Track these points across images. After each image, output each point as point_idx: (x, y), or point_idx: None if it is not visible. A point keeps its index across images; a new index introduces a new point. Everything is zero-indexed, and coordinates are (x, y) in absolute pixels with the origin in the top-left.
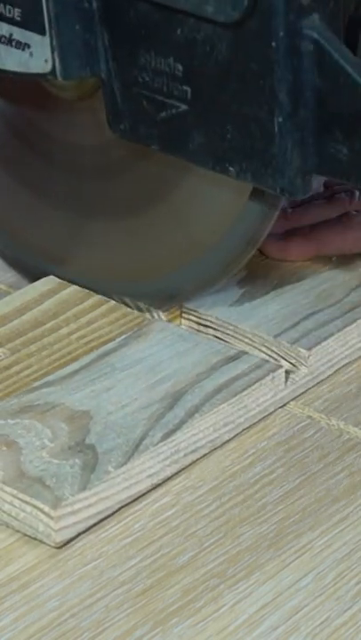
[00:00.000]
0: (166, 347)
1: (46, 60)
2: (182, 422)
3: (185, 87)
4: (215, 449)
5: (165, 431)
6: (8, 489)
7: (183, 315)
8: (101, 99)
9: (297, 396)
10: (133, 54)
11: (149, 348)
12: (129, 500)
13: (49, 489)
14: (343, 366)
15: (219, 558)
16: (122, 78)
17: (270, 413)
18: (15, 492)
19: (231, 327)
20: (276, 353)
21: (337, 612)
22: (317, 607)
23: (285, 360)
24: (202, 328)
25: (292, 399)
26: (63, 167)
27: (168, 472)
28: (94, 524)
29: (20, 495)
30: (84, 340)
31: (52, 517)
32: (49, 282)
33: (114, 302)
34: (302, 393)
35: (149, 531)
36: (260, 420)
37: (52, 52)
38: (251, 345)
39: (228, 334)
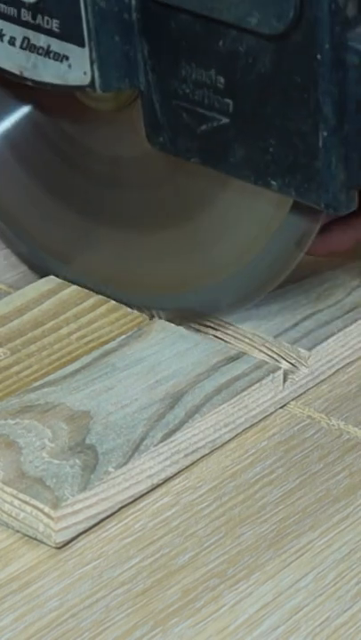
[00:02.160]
0: (167, 347)
1: (85, 72)
2: (182, 422)
3: (227, 100)
4: (215, 449)
5: (166, 431)
6: (8, 489)
7: None
8: (138, 110)
9: (297, 397)
10: (173, 66)
11: (150, 348)
12: (129, 501)
13: (49, 489)
14: (343, 366)
15: (219, 558)
16: (161, 90)
17: (270, 413)
18: (15, 492)
19: (231, 327)
20: (276, 353)
21: (337, 612)
22: (317, 607)
23: (286, 360)
24: (202, 328)
25: (293, 399)
26: (99, 180)
27: (168, 472)
28: (94, 525)
29: (21, 495)
30: (84, 340)
31: (52, 518)
32: (49, 282)
33: (114, 302)
34: (303, 393)
35: (149, 531)
36: (260, 420)
37: (92, 64)
38: (251, 345)
39: (228, 334)
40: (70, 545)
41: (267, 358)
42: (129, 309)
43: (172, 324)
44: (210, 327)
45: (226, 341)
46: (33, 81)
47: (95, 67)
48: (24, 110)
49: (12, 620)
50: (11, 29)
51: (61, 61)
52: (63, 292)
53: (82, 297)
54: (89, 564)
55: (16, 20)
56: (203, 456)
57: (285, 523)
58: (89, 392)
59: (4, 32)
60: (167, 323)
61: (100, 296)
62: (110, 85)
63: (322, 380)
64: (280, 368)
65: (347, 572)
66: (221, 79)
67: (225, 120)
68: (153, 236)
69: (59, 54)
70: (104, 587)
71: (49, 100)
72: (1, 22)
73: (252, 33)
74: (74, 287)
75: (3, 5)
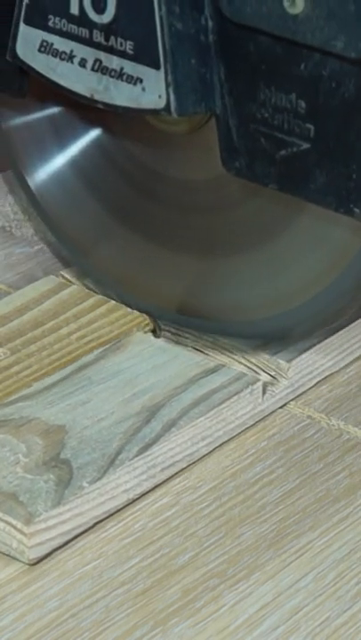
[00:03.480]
0: (145, 359)
1: (160, 96)
2: (159, 436)
3: (308, 125)
4: (215, 449)
5: (142, 445)
6: None
7: (162, 326)
8: (210, 133)
9: (277, 409)
10: (252, 90)
11: (127, 361)
12: (104, 516)
13: (22, 505)
14: (343, 367)
15: (219, 558)
16: (238, 114)
17: (270, 413)
18: None
19: (210, 339)
20: (255, 365)
21: (337, 612)
22: (317, 607)
23: (265, 372)
24: (181, 340)
25: (272, 412)
26: (169, 204)
27: (144, 487)
28: (69, 541)
29: None
30: (84, 340)
31: (24, 534)
32: (49, 282)
33: (114, 302)
34: (283, 405)
35: (149, 531)
36: (260, 420)
37: (167, 88)
38: (230, 357)
39: (207, 346)
40: (70, 545)
41: (246, 370)
42: (129, 309)
43: (151, 337)
44: (188, 339)
45: (205, 353)
46: (104, 104)
47: (171, 90)
48: (91, 134)
49: (11, 619)
50: (82, 51)
51: (135, 84)
52: (63, 292)
53: (82, 297)
54: (89, 564)
55: (87, 42)
56: (202, 456)
57: (285, 523)
58: (64, 406)
59: (74, 53)
60: (146, 335)
61: (100, 296)
62: (186, 109)
63: (301, 393)
64: (259, 380)
65: (347, 572)
66: (303, 103)
67: (306, 145)
68: (224, 262)
69: (132, 77)
70: (104, 587)
71: (116, 123)
72: (72, 44)
73: (337, 57)
74: (74, 287)
75: (73, 26)
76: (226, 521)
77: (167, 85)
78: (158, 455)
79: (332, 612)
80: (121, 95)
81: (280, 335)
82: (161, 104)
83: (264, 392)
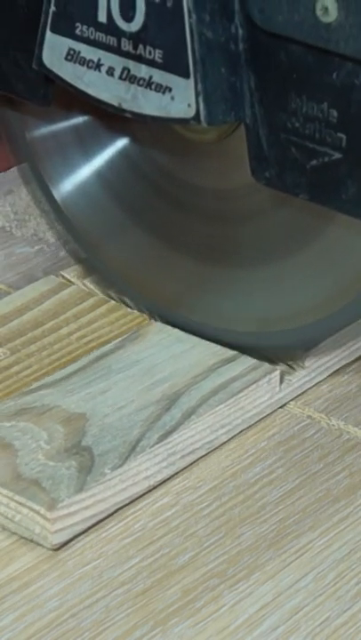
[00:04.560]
0: (163, 348)
1: (189, 105)
2: (179, 424)
3: (340, 134)
4: (215, 449)
5: (162, 433)
6: (4, 491)
7: None
8: (238, 141)
9: (294, 398)
10: (282, 99)
11: (146, 350)
12: (125, 502)
13: (45, 491)
14: (343, 366)
15: (219, 558)
16: (268, 124)
17: (267, 415)
18: (11, 494)
19: None
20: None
21: (337, 612)
22: (317, 607)
23: (282, 362)
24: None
25: (290, 400)
26: (194, 213)
27: (165, 474)
28: (91, 526)
29: (17, 497)
30: (84, 339)
31: (48, 519)
32: (49, 282)
33: (114, 302)
34: (300, 394)
35: (149, 531)
36: (260, 420)
37: (197, 97)
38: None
39: None
40: (70, 545)
41: (263, 360)
42: (129, 309)
43: (169, 327)
44: None
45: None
46: (132, 113)
47: (200, 99)
48: (117, 143)
49: (11, 619)
50: (109, 59)
51: (164, 93)
52: (63, 292)
53: (82, 297)
54: (89, 564)
55: (115, 50)
56: (200, 457)
57: (285, 523)
58: (85, 394)
59: (102, 62)
60: (164, 325)
61: (101, 296)
62: (216, 118)
63: (319, 382)
64: (277, 369)
65: (347, 571)
66: (334, 113)
67: (337, 155)
68: (252, 272)
69: (161, 85)
70: (104, 587)
71: (142, 131)
72: (99, 52)
73: None
74: (74, 287)
75: (101, 35)
76: (226, 521)
77: (197, 94)
78: (178, 442)
79: (332, 612)
80: (149, 104)
81: (308, 345)
82: (190, 113)
83: (281, 381)
